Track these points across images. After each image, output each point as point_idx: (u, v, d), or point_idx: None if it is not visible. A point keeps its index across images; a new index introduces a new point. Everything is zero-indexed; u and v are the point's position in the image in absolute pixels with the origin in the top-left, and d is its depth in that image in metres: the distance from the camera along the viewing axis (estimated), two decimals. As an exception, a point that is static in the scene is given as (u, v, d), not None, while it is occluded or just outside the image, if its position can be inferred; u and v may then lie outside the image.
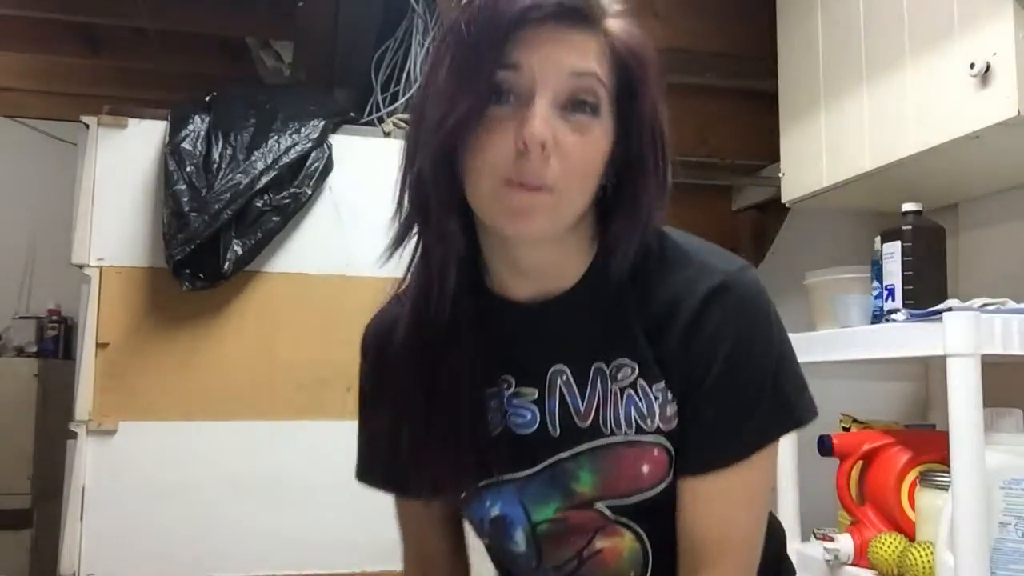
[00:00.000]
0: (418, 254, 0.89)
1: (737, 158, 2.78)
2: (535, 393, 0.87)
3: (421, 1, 2.18)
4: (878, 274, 1.65)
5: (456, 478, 0.89)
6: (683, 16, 2.49)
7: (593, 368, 0.86)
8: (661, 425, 0.84)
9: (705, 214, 3.01)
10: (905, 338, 1.43)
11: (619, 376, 0.85)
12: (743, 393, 0.83)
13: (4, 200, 4.12)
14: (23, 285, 4.11)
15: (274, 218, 1.83)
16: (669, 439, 0.85)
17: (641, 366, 0.84)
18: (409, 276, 0.91)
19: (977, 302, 1.41)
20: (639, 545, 0.88)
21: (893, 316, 1.52)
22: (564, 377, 0.87)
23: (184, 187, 1.77)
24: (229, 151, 1.83)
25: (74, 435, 1.77)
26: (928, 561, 1.39)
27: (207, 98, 1.93)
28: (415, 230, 0.88)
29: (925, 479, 1.49)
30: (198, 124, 1.85)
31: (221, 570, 1.80)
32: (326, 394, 1.89)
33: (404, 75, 2.20)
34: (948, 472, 1.33)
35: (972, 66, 1.45)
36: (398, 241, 0.90)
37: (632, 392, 0.85)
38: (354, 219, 1.93)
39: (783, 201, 2.11)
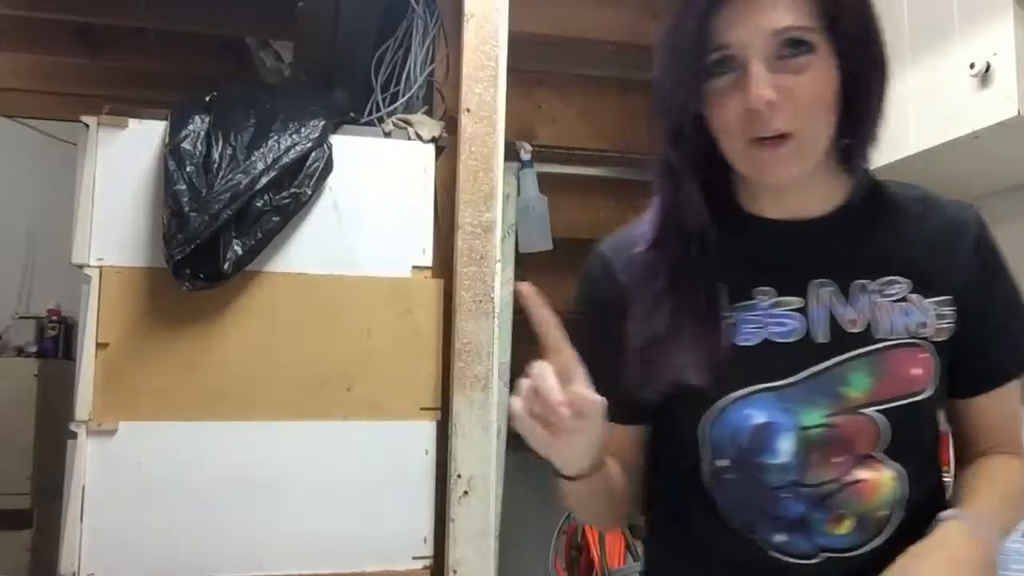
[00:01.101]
0: (668, 183, 0.95)
1: (737, 158, 2.78)
2: (799, 302, 0.91)
3: (421, 1, 2.18)
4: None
5: (705, 384, 0.89)
6: (683, 16, 2.49)
7: (856, 283, 0.91)
8: (932, 335, 0.91)
9: (705, 214, 3.01)
10: (905, 338, 1.43)
11: (888, 291, 0.91)
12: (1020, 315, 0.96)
13: (4, 200, 4.12)
14: (23, 285, 4.11)
15: (274, 218, 1.83)
16: (938, 349, 0.91)
17: (915, 281, 0.91)
18: (655, 205, 0.98)
19: (977, 302, 1.41)
20: (897, 485, 0.90)
21: (893, 316, 1.52)
22: (830, 288, 0.91)
23: (184, 187, 1.77)
24: (229, 151, 1.83)
25: (74, 435, 1.77)
26: (928, 561, 1.39)
27: (207, 98, 1.93)
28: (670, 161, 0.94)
29: (925, 479, 1.49)
30: (198, 124, 1.85)
31: (221, 570, 1.80)
32: (326, 394, 1.89)
33: (404, 75, 2.20)
34: (948, 472, 1.33)
35: (972, 66, 1.45)
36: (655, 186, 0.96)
37: (905, 304, 0.91)
38: (354, 219, 1.93)
39: (783, 201, 2.11)
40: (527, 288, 0.81)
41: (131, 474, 1.78)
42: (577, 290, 1.03)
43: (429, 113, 2.14)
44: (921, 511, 0.90)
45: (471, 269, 1.98)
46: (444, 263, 2.01)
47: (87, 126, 1.84)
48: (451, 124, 2.05)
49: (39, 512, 3.42)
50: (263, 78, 2.92)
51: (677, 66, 0.88)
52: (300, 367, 1.88)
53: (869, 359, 0.89)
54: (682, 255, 0.93)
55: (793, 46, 0.84)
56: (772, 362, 0.90)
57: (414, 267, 1.96)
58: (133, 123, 1.86)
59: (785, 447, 0.89)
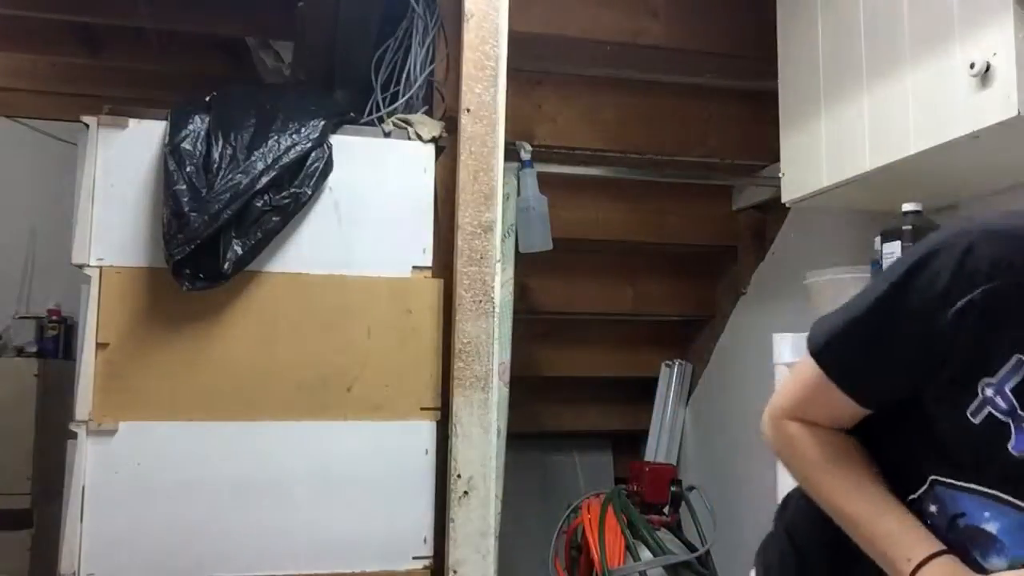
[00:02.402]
0: None
1: (737, 158, 2.79)
2: None
3: (421, 1, 2.18)
4: (878, 274, 1.65)
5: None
6: (683, 16, 2.49)
7: None
8: None
9: (705, 214, 3.01)
10: (905, 338, 1.43)
11: None
12: None
13: (4, 200, 4.12)
14: (23, 285, 4.11)
15: (274, 218, 1.83)
16: None
17: None
18: None
19: (977, 302, 1.41)
20: None
21: (893, 316, 1.52)
22: None
23: (184, 187, 1.77)
24: (229, 151, 1.83)
25: (74, 435, 1.77)
26: (928, 561, 1.39)
27: (207, 98, 1.93)
28: None
29: (925, 479, 1.49)
30: (198, 124, 1.85)
31: (221, 570, 1.80)
32: (326, 394, 1.89)
33: (404, 75, 2.20)
34: (948, 472, 1.33)
35: (972, 66, 1.45)
36: None
37: None
38: (354, 219, 1.93)
39: (783, 201, 2.11)
40: None
41: (131, 474, 1.78)
42: (910, 273, 0.87)
43: (429, 113, 2.14)
44: None
45: (471, 269, 1.98)
46: (444, 263, 2.01)
47: (87, 126, 1.84)
48: (451, 124, 2.05)
49: (39, 512, 3.42)
50: (263, 78, 2.92)
51: None
52: (300, 367, 1.88)
53: None
54: None
55: None
56: None
57: (414, 267, 1.96)
58: (133, 123, 1.86)
59: (997, 564, 0.85)
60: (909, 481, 0.93)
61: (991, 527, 0.84)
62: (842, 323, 0.94)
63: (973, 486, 0.84)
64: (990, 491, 0.83)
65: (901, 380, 0.89)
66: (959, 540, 0.88)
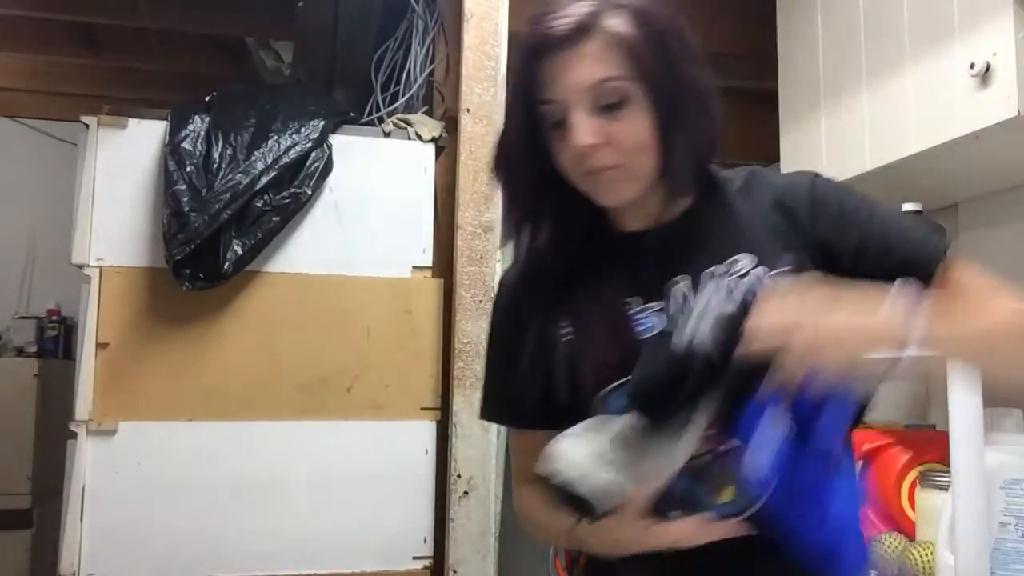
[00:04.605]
0: (543, 224, 1.04)
1: (737, 158, 2.78)
2: (660, 304, 1.00)
3: (421, 1, 2.18)
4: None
5: (608, 377, 0.99)
6: (683, 16, 2.49)
7: (706, 272, 0.99)
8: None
9: (705, 214, 3.01)
10: (905, 338, 1.43)
11: (734, 269, 0.98)
12: (894, 214, 1.04)
13: (4, 200, 4.12)
14: (23, 285, 4.11)
15: (274, 218, 1.83)
16: None
17: (758, 255, 0.98)
18: (535, 238, 1.05)
19: (977, 302, 1.41)
20: None
21: (893, 316, 1.52)
22: (683, 283, 1.00)
23: (184, 187, 1.77)
24: (229, 151, 1.83)
25: (74, 435, 1.77)
26: (928, 561, 1.40)
27: (207, 98, 1.93)
28: (536, 210, 1.04)
29: (925, 479, 1.49)
30: (198, 124, 1.85)
31: (221, 570, 1.81)
32: (326, 394, 1.89)
33: (404, 75, 2.20)
34: (948, 472, 1.33)
35: (972, 66, 1.45)
36: (516, 230, 1.06)
37: (748, 279, 0.97)
38: (354, 219, 1.93)
39: (783, 201, 2.10)
40: None
41: (131, 474, 1.78)
42: (491, 318, 1.15)
43: (429, 113, 2.14)
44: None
45: (471, 269, 1.98)
46: (444, 263, 2.01)
47: (87, 126, 1.84)
48: (451, 124, 2.05)
49: (39, 512, 3.42)
50: (263, 78, 2.92)
51: (522, 119, 0.98)
52: (300, 367, 1.88)
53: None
54: (573, 273, 1.04)
55: (609, 97, 0.94)
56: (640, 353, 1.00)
57: (414, 267, 1.96)
58: (133, 123, 1.86)
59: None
60: None
61: None
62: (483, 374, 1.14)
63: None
64: None
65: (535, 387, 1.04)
66: None
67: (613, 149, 0.94)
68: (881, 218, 1.00)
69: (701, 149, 1.00)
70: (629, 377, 0.96)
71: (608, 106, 0.94)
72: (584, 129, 0.94)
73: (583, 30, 0.94)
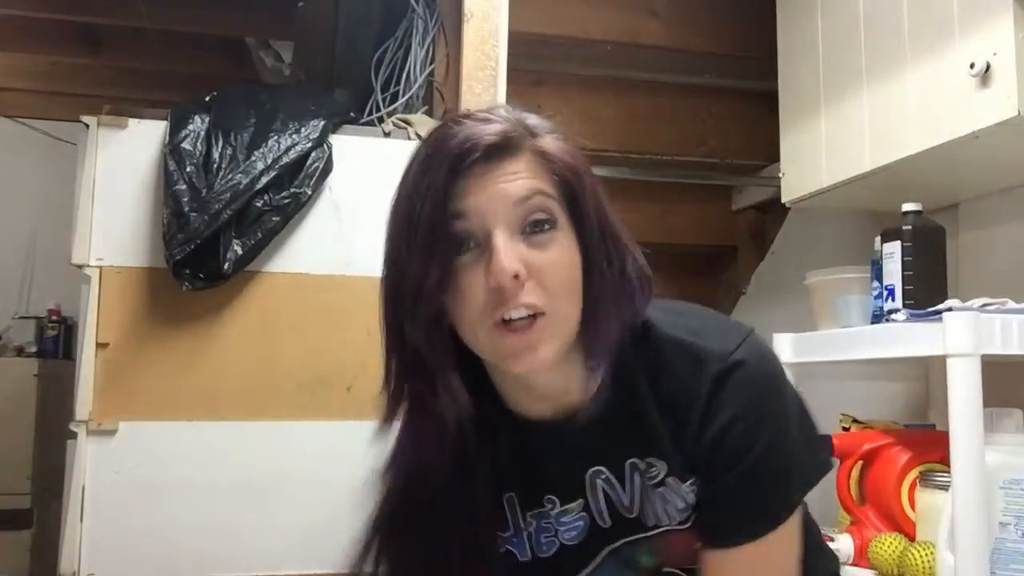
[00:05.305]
0: (420, 409, 0.87)
1: (737, 158, 2.79)
2: (581, 503, 0.89)
3: (421, 1, 2.18)
4: (878, 274, 1.65)
5: None
6: (683, 16, 2.49)
7: (628, 464, 0.88)
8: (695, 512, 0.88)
9: (705, 214, 3.01)
10: (905, 338, 1.43)
11: (650, 474, 0.87)
12: (766, 472, 0.84)
13: (4, 200, 4.12)
14: (23, 285, 4.11)
15: (274, 218, 1.83)
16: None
17: (670, 466, 0.86)
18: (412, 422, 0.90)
19: (977, 302, 1.41)
20: None
21: (893, 316, 1.52)
22: (603, 476, 0.88)
23: (184, 187, 1.77)
24: (229, 151, 1.83)
25: (74, 435, 1.77)
26: (928, 561, 1.40)
27: (207, 98, 1.93)
28: (415, 394, 0.87)
29: (925, 479, 1.50)
30: (198, 124, 1.85)
31: (221, 570, 1.80)
32: (326, 394, 1.89)
33: (404, 75, 2.20)
34: (948, 472, 1.33)
35: (972, 66, 1.45)
36: (392, 412, 0.90)
37: (664, 489, 0.87)
38: (354, 219, 1.93)
39: (783, 201, 2.11)
40: None
41: (131, 474, 1.77)
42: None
43: (429, 113, 2.14)
44: None
45: (471, 269, 1.98)
46: (444, 263, 2.00)
47: (87, 126, 1.84)
48: (451, 124, 2.05)
49: (39, 512, 3.42)
50: (263, 78, 2.92)
51: (420, 241, 0.81)
52: (300, 367, 1.88)
53: (650, 542, 0.89)
54: (451, 470, 0.88)
55: (537, 221, 0.79)
56: (573, 558, 0.91)
57: (414, 267, 1.96)
58: (133, 123, 1.86)
59: None
60: None
61: None
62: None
63: None
64: None
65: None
66: None
67: (537, 286, 0.78)
68: (752, 471, 0.83)
69: (618, 313, 0.84)
70: None
71: (535, 228, 0.79)
72: (509, 253, 0.77)
73: (512, 144, 0.82)
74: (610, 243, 0.84)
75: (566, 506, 0.90)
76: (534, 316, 0.78)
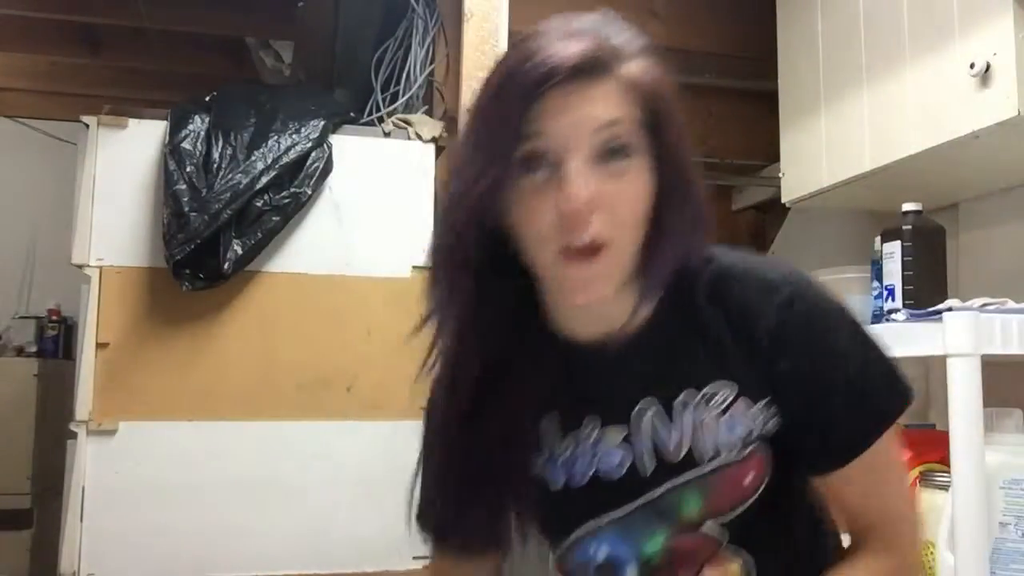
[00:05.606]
0: (467, 314, 0.85)
1: (737, 158, 2.78)
2: (623, 432, 0.86)
3: (421, 1, 2.18)
4: (878, 274, 1.65)
5: (541, 530, 0.91)
6: (683, 16, 2.49)
7: (679, 400, 0.85)
8: (762, 434, 0.85)
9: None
10: (905, 338, 1.43)
11: (715, 400, 0.84)
12: (851, 384, 0.84)
13: (4, 200, 4.12)
14: (23, 285, 4.11)
15: (274, 218, 1.83)
16: (770, 441, 0.85)
17: (741, 385, 0.84)
18: (456, 335, 0.87)
19: (977, 302, 1.41)
20: (744, 571, 0.88)
21: (893, 316, 1.52)
22: (653, 410, 0.86)
23: (184, 187, 1.77)
24: (229, 151, 1.83)
25: (74, 435, 1.77)
26: (928, 561, 1.39)
27: (207, 98, 1.93)
28: (457, 289, 0.84)
29: (925, 479, 1.49)
30: (198, 124, 1.85)
31: (221, 570, 1.80)
32: (326, 394, 1.89)
33: (404, 75, 2.20)
34: (948, 472, 1.33)
35: (972, 66, 1.45)
36: (440, 306, 0.86)
37: (727, 417, 0.84)
38: (354, 219, 1.93)
39: (783, 201, 2.11)
40: None
41: (131, 474, 1.78)
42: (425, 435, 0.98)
43: (429, 113, 2.14)
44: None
45: (471, 269, 1.98)
46: (444, 263, 2.00)
47: (87, 126, 1.84)
48: (451, 124, 2.05)
49: (39, 512, 3.42)
50: (263, 78, 2.92)
51: (485, 156, 0.78)
52: (300, 367, 1.88)
53: (697, 483, 0.85)
54: (488, 388, 0.86)
55: (612, 153, 0.77)
56: (606, 496, 0.88)
57: (414, 267, 1.96)
58: (133, 123, 1.86)
59: None
60: None
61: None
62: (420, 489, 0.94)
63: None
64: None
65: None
66: None
67: (607, 216, 0.76)
68: (840, 387, 0.84)
69: (686, 243, 0.83)
70: (605, 519, 0.88)
71: (612, 156, 0.77)
72: (583, 181, 0.75)
73: (598, 66, 0.79)
74: (686, 175, 0.83)
75: (606, 429, 0.87)
76: (599, 247, 0.77)
